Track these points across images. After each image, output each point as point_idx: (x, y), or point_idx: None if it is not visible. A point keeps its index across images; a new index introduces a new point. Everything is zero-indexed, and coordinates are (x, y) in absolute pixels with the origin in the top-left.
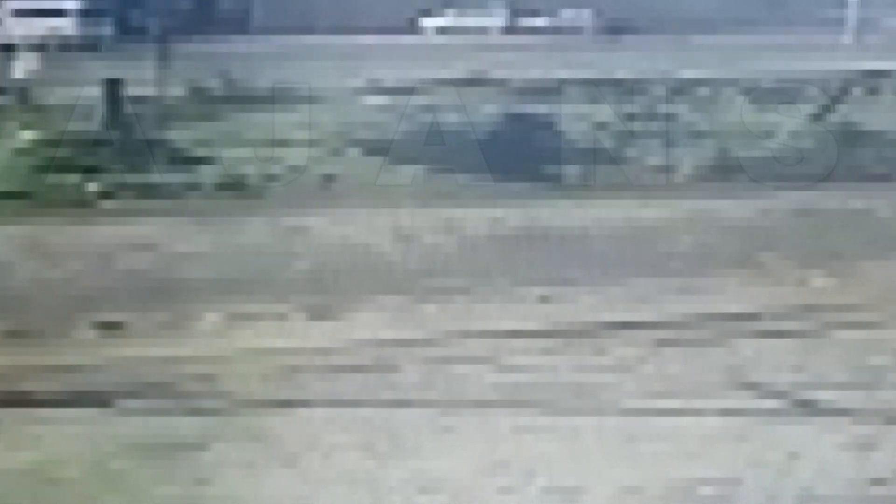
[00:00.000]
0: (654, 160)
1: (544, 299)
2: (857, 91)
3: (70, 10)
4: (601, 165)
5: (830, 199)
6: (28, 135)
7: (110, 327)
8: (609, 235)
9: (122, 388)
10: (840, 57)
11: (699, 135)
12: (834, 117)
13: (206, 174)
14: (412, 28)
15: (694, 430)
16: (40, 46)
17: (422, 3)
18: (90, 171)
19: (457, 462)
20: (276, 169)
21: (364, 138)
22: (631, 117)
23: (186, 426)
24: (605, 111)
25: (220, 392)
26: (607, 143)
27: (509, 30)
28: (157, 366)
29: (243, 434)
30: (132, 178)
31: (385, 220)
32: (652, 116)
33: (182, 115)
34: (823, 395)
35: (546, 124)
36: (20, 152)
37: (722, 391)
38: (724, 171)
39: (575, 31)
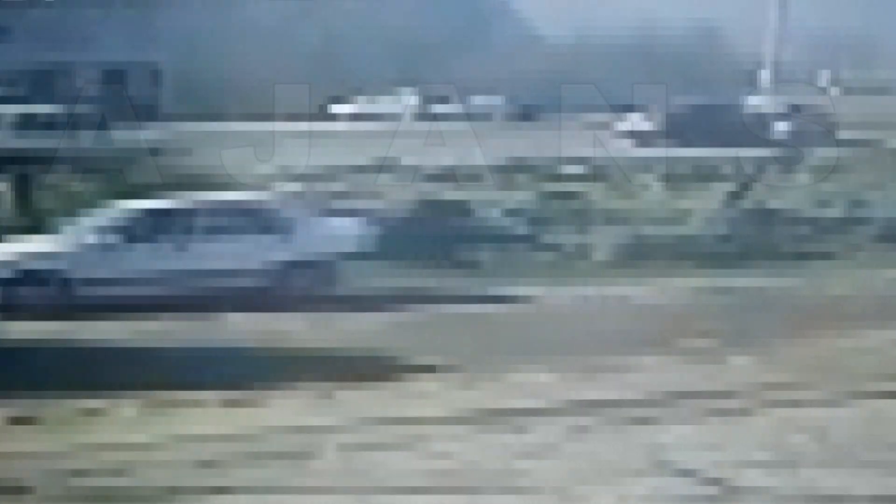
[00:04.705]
0: (570, 243)
1: (462, 383)
2: (771, 172)
3: None
4: (516, 249)
5: (745, 279)
6: None
7: (21, 421)
8: (526, 318)
9: (36, 479)
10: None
11: (615, 217)
12: (749, 198)
13: None
14: (322, 114)
15: None
16: None
17: (332, 89)
18: None
19: None
20: None
21: None
22: (545, 201)
23: None
24: (518, 195)
25: (138, 481)
26: (522, 227)
27: (420, 116)
28: (72, 456)
29: None
30: None
31: None
32: (567, 199)
33: (92, 202)
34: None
35: (460, 209)
36: None
37: (643, 474)
38: (640, 253)
39: (486, 116)
